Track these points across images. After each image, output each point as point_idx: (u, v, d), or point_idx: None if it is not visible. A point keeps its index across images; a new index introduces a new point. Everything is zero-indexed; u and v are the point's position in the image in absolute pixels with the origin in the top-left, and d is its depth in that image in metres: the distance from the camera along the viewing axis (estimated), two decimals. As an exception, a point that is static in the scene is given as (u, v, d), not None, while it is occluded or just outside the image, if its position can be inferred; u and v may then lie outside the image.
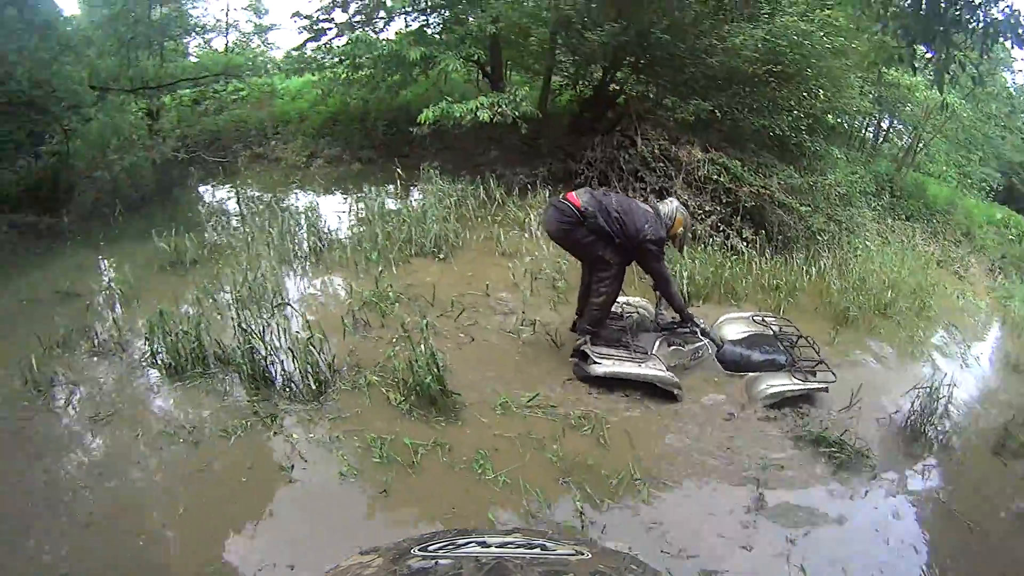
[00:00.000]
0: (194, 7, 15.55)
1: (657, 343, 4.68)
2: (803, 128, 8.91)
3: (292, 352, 4.33)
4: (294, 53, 11.17)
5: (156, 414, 4.17)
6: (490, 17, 8.61)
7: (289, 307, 5.16)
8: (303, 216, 7.49)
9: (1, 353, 4.99)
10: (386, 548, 1.27)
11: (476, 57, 9.98)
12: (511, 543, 1.29)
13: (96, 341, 5.01)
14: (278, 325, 4.60)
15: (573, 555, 1.24)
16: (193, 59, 15.02)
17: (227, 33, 17.96)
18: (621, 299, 5.04)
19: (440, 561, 1.11)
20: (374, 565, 1.17)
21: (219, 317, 5.16)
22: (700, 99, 8.16)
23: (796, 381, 4.60)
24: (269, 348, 4.38)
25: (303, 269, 6.36)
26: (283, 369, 4.32)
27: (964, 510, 4.02)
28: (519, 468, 3.57)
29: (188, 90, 13.09)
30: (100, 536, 3.20)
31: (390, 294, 5.39)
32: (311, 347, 4.20)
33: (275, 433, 3.83)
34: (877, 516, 3.82)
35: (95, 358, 4.90)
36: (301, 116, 12.29)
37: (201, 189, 10.21)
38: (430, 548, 1.22)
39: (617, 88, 9.72)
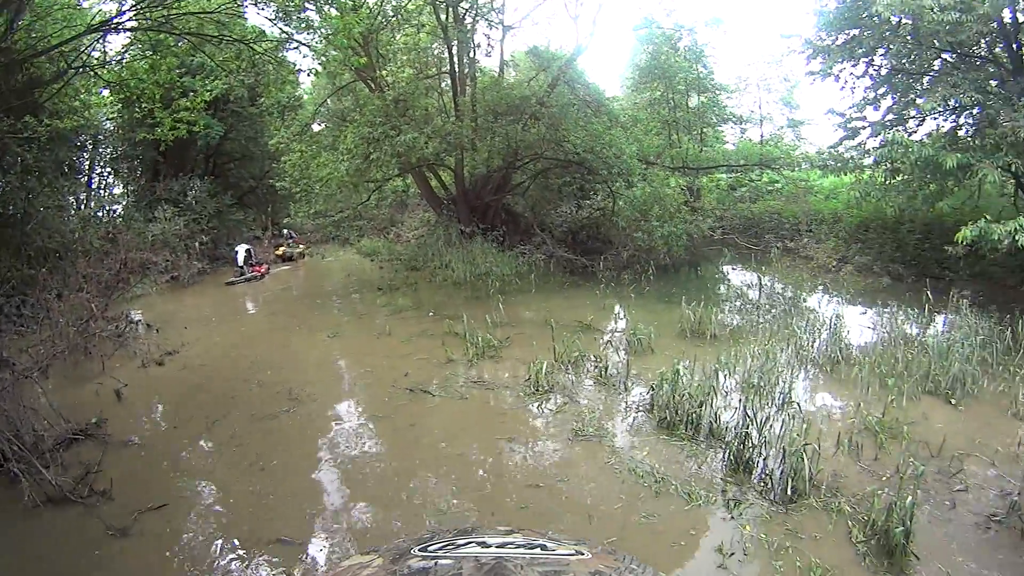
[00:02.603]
0: (728, 97, 17.34)
1: None
2: None
3: (783, 452, 4.32)
4: (829, 150, 11.29)
5: (632, 452, 4.57)
6: (1023, 117, 7.49)
7: (795, 406, 5.18)
8: (826, 320, 7.40)
9: (516, 356, 6.35)
10: (386, 548, 1.27)
11: (1012, 167, 8.63)
12: (511, 543, 1.25)
13: (603, 373, 5.86)
14: (782, 422, 4.68)
15: (573, 555, 1.20)
16: (730, 146, 16.25)
17: (761, 124, 19.32)
18: None
19: (440, 561, 1.10)
20: (374, 565, 1.17)
21: (724, 394, 5.44)
22: None
23: None
24: (762, 439, 4.48)
25: (815, 374, 6.29)
26: (765, 464, 4.36)
27: None
28: None
29: (725, 175, 14.55)
30: (521, 518, 3.71)
31: (892, 427, 5.01)
32: (803, 454, 4.14)
33: (732, 517, 3.86)
34: None
35: (596, 386, 5.75)
36: (835, 216, 12.37)
37: (727, 270, 11.03)
38: (430, 548, 1.21)
39: None
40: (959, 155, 8.07)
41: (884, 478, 4.26)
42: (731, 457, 4.39)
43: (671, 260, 10.04)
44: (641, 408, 5.23)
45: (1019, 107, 7.75)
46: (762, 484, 4.20)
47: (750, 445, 4.39)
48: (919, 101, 9.58)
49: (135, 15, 7.33)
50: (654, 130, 13.71)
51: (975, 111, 9.21)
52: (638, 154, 11.20)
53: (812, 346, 6.66)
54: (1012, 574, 3.60)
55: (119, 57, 8.79)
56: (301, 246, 16.71)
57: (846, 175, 11.33)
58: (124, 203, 15.36)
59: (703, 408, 4.82)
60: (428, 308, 8.39)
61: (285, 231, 17.13)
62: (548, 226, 11.93)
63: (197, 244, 13.91)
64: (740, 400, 4.83)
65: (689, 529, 3.74)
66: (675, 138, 13.92)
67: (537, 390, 5.54)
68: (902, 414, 5.18)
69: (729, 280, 10.10)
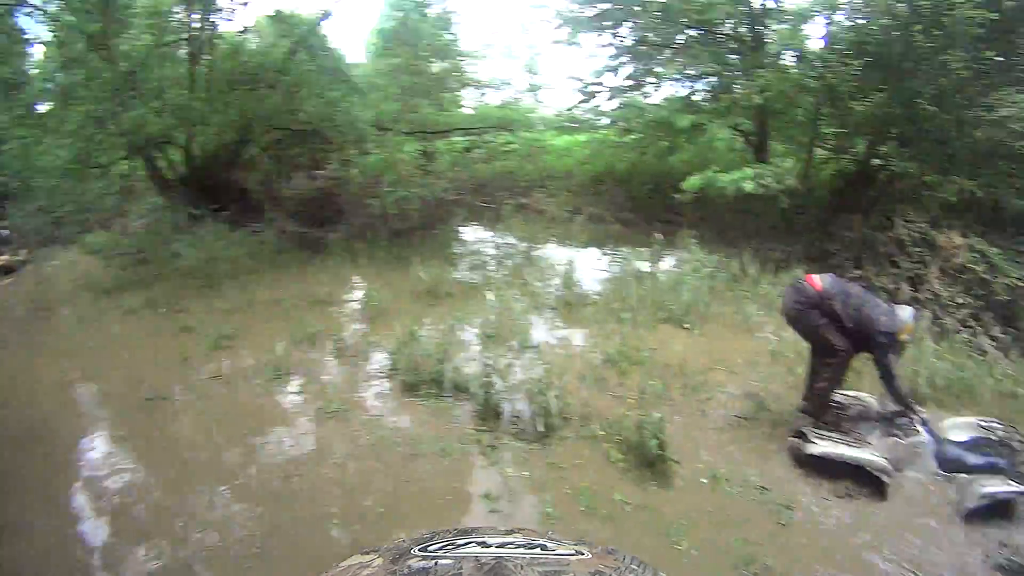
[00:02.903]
0: (472, 63, 16.92)
1: (876, 433, 4.36)
2: None
3: (527, 393, 4.37)
4: (566, 112, 11.72)
5: (381, 420, 4.43)
6: (758, 87, 8.44)
7: (533, 350, 5.23)
8: (559, 267, 7.67)
9: (252, 342, 5.86)
10: (386, 548, 1.23)
11: (741, 127, 9.78)
12: (511, 543, 1.24)
13: (341, 346, 5.56)
14: (519, 365, 4.69)
15: (573, 555, 1.19)
16: (469, 111, 16.15)
17: (501, 89, 19.99)
18: (850, 392, 4.78)
19: (440, 561, 1.09)
20: (374, 565, 1.14)
21: (464, 349, 5.38)
22: (963, 177, 7.20)
23: (1012, 485, 3.91)
24: (506, 385, 4.47)
25: (551, 318, 6.44)
26: (514, 408, 4.38)
27: None
28: (709, 545, 3.34)
29: (462, 138, 14.15)
30: (291, 509, 3.48)
31: (631, 355, 5.29)
32: (546, 391, 4.24)
33: (492, 464, 3.90)
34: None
35: (337, 360, 5.43)
36: (567, 173, 12.76)
37: (463, 230, 10.92)
38: (430, 548, 1.19)
39: (881, 164, 8.94)
40: (692, 116, 8.85)
41: (631, 401, 4.46)
42: (479, 407, 4.37)
43: (405, 225, 9.92)
44: (383, 374, 5.06)
45: (755, 77, 8.60)
46: (514, 427, 4.22)
47: (495, 392, 4.36)
48: (658, 70, 10.29)
49: None
50: (393, 96, 13.32)
51: (713, 80, 9.99)
52: (374, 120, 10.97)
53: (547, 293, 6.88)
54: (764, 458, 4.12)
55: None
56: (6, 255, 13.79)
57: (581, 135, 12.00)
58: None
59: (443, 364, 4.74)
60: (160, 304, 7.52)
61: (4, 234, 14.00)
62: (281, 200, 11.14)
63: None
64: (479, 352, 4.87)
65: (452, 483, 3.72)
66: (413, 103, 13.60)
67: (278, 375, 5.15)
68: (640, 343, 5.48)
69: (464, 239, 10.29)
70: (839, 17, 8.96)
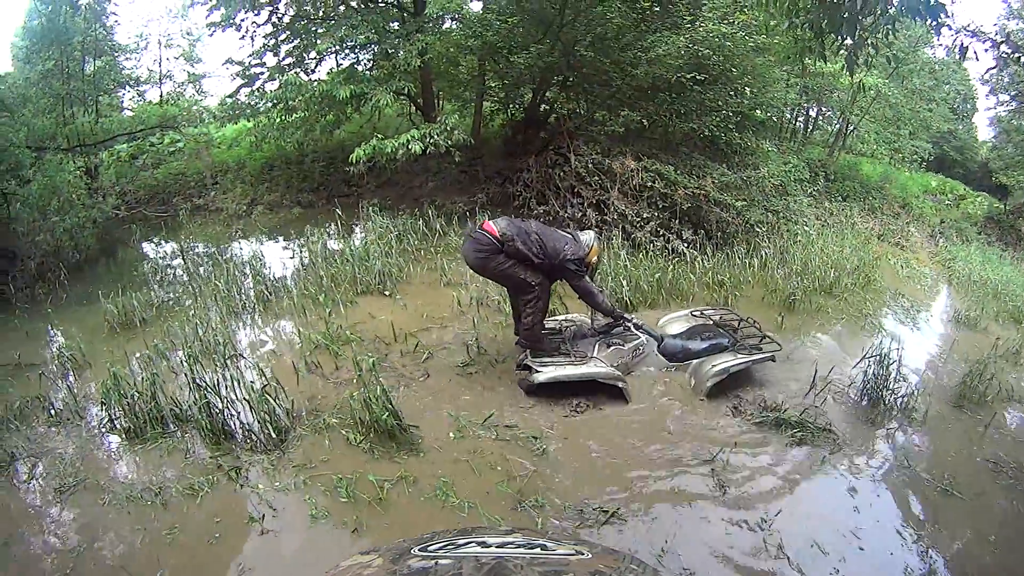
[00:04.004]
0: (127, 58, 15.68)
1: (596, 346, 4.74)
2: (732, 127, 9.12)
3: (249, 403, 4.28)
4: (228, 100, 11.07)
5: (121, 479, 4.08)
6: (416, 50, 8.76)
7: (241, 358, 5.15)
8: (247, 265, 7.50)
9: None
10: (386, 548, 1.28)
11: (407, 91, 10.07)
12: (511, 543, 1.29)
13: (53, 411, 4.91)
14: (232, 377, 4.52)
15: (573, 555, 1.24)
16: (128, 113, 14.75)
17: (161, 84, 17.64)
18: (559, 317, 5.26)
19: (440, 561, 1.12)
20: (374, 565, 1.18)
21: (174, 375, 5.10)
22: (629, 110, 8.37)
23: (741, 356, 4.69)
24: (225, 401, 4.34)
25: (252, 319, 6.31)
26: (242, 421, 4.27)
27: (931, 467, 4.21)
28: (480, 492, 3.60)
29: (125, 145, 13.09)
30: None
31: (340, 335, 5.38)
32: (267, 396, 4.20)
33: (241, 486, 3.79)
34: (845, 486, 3.95)
35: (53, 428, 4.77)
36: (239, 164, 12.24)
37: (145, 246, 10.05)
38: (430, 548, 1.23)
39: (548, 108, 9.97)
40: (353, 86, 8.89)
41: (355, 380, 4.56)
42: (207, 432, 4.20)
43: (82, 255, 9.08)
44: (104, 429, 4.61)
45: (415, 41, 8.85)
46: (248, 442, 4.11)
47: (217, 412, 4.25)
48: (318, 44, 10.11)
49: None
50: (46, 107, 11.79)
51: (374, 48, 10.21)
52: (28, 141, 9.51)
53: (240, 294, 6.75)
54: (500, 398, 4.49)
55: None
56: None
57: (247, 122, 11.53)
58: None
59: (156, 399, 4.49)
60: None
61: None
62: None
63: None
64: (187, 374, 4.65)
65: (214, 519, 3.53)
66: (69, 113, 12.25)
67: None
68: (345, 322, 5.64)
69: (148, 256, 9.71)
70: None
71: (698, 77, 8.15)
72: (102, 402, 4.70)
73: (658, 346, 4.84)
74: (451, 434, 4.11)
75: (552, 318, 5.17)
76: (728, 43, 8.08)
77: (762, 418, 4.40)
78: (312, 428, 4.22)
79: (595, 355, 4.63)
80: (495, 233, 4.31)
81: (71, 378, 5.52)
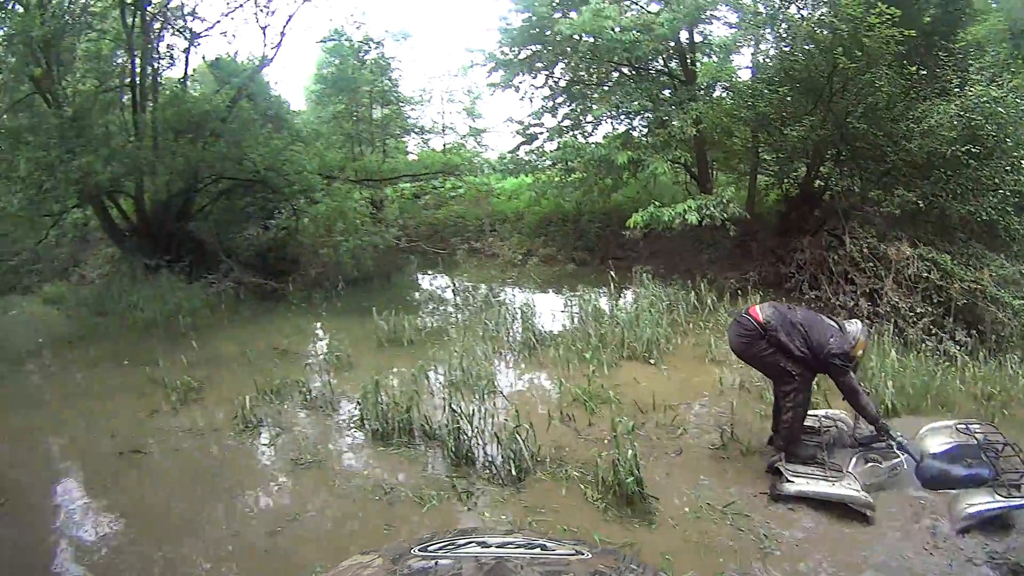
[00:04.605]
0: (412, 109, 17.68)
1: (853, 460, 4.27)
2: (1010, 208, 7.75)
3: (498, 438, 4.36)
4: (508, 155, 12.01)
5: (354, 470, 4.38)
6: (691, 119, 8.71)
7: (500, 395, 5.26)
8: (518, 311, 7.70)
9: (219, 395, 5.78)
10: (386, 548, 1.27)
11: (683, 159, 10.05)
12: (511, 543, 1.28)
13: (308, 396, 5.51)
14: (487, 411, 4.68)
15: (573, 555, 1.22)
16: (413, 157, 16.48)
17: (444, 134, 19.60)
18: (819, 412, 4.78)
19: (440, 561, 1.11)
20: (374, 565, 1.17)
21: (430, 395, 5.40)
22: (904, 189, 7.50)
23: (1000, 498, 3.88)
24: (476, 431, 4.46)
25: (515, 361, 6.49)
26: (486, 452, 4.39)
27: None
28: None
29: (409, 184, 14.43)
30: (277, 563, 3.42)
31: (601, 394, 5.33)
32: (517, 435, 4.23)
33: (469, 509, 3.86)
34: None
35: (304, 411, 5.37)
36: (517, 215, 12.99)
37: (419, 276, 11.02)
38: (430, 548, 1.22)
39: (823, 184, 9.21)
40: (631, 152, 9.09)
41: (607, 441, 4.40)
42: (450, 454, 4.35)
43: (360, 273, 10.08)
44: (352, 425, 5.06)
45: (689, 110, 8.91)
46: (487, 471, 4.19)
47: (465, 439, 4.36)
48: (594, 108, 10.51)
49: None
50: (337, 143, 13.76)
51: (648, 115, 10.34)
52: (320, 169, 11.13)
53: (508, 336, 6.94)
54: (741, 487, 4.12)
55: None
56: None
57: (526, 177, 12.19)
58: None
59: (411, 413, 4.76)
60: (123, 356, 7.43)
61: None
62: (234, 251, 11.07)
63: None
64: (446, 398, 4.85)
65: (432, 529, 3.48)
66: (358, 151, 14.07)
67: (247, 426, 5.11)
68: (606, 381, 5.50)
69: (420, 286, 10.49)
70: (765, 47, 9.42)
71: (972, 150, 7.09)
72: (358, 401, 5.13)
73: (916, 467, 4.24)
74: (687, 511, 3.91)
75: (812, 412, 4.76)
76: (1000, 108, 6.98)
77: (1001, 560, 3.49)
78: (552, 475, 4.20)
79: (851, 470, 4.20)
80: (759, 319, 4.17)
81: (331, 374, 6.08)
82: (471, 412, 4.60)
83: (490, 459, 4.30)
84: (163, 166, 9.61)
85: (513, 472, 4.14)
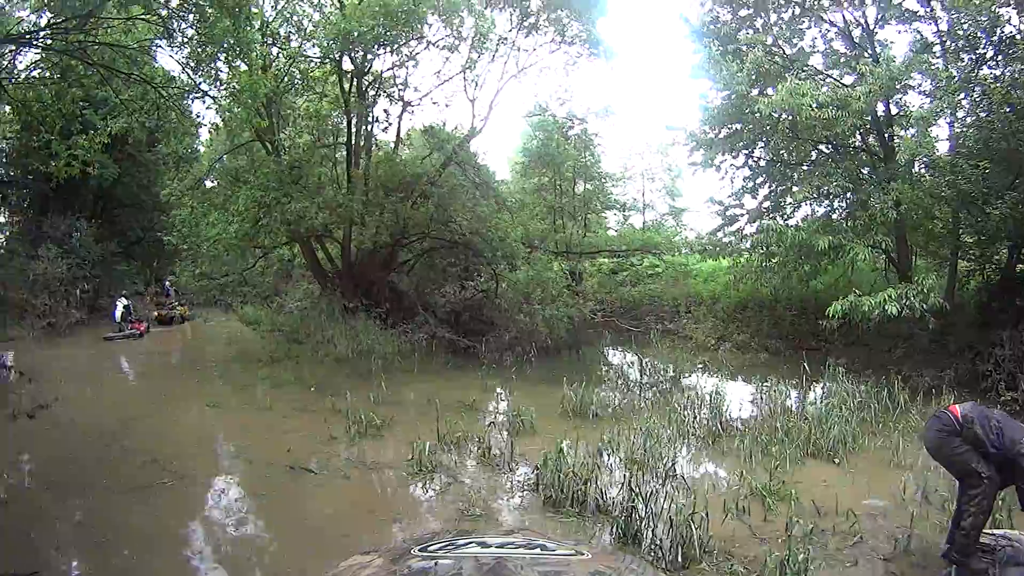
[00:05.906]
0: (613, 185, 18.37)
1: None
2: None
3: (671, 521, 4.27)
4: (707, 236, 12.08)
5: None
6: (892, 200, 8.36)
7: (680, 480, 5.24)
8: (707, 397, 7.67)
9: (398, 436, 6.23)
10: (386, 548, 1.28)
11: (883, 244, 9.56)
12: (511, 543, 1.26)
13: (487, 453, 5.77)
14: (666, 494, 4.66)
15: (573, 555, 1.21)
16: (613, 232, 17.11)
17: (644, 211, 20.21)
18: (997, 532, 4.42)
19: (440, 561, 1.10)
20: (374, 565, 1.16)
21: (609, 471, 5.44)
22: None
23: None
24: (649, 511, 4.44)
25: (697, 447, 6.50)
26: (655, 533, 4.31)
27: None
28: None
29: (607, 259, 15.03)
30: None
31: (781, 491, 5.14)
32: (691, 521, 4.14)
33: None
34: None
35: (480, 466, 5.65)
36: (713, 298, 12.96)
37: (608, 351, 11.24)
38: (430, 548, 1.21)
39: None
40: (831, 237, 8.83)
41: (780, 540, 4.28)
42: (619, 530, 4.33)
43: (553, 342, 10.26)
44: (527, 487, 5.17)
45: (889, 191, 8.54)
46: (652, 554, 4.11)
47: (637, 518, 4.33)
48: (795, 190, 10.43)
49: (51, 33, 6.97)
50: (540, 215, 14.20)
51: (848, 196, 10.03)
52: (523, 238, 11.57)
53: (693, 421, 6.85)
54: None
55: (26, 72, 8.42)
56: (180, 307, 16.10)
57: (724, 259, 12.01)
58: (6, 234, 14.72)
59: (588, 485, 4.79)
60: (310, 383, 8.20)
61: (167, 284, 16.45)
62: (432, 306, 11.94)
63: (78, 291, 12.89)
64: (624, 476, 4.82)
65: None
66: (559, 223, 14.49)
67: (420, 470, 5.40)
68: (787, 478, 5.31)
69: (610, 361, 10.45)
70: (962, 115, 8.92)
71: None
72: (536, 465, 5.24)
73: None
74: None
75: (989, 531, 4.27)
76: None
77: None
78: (716, 568, 4.02)
79: None
80: (957, 415, 4.10)
81: (513, 435, 6.26)
82: (648, 493, 4.58)
83: (658, 542, 4.21)
84: (372, 219, 10.73)
85: (679, 559, 4.02)
